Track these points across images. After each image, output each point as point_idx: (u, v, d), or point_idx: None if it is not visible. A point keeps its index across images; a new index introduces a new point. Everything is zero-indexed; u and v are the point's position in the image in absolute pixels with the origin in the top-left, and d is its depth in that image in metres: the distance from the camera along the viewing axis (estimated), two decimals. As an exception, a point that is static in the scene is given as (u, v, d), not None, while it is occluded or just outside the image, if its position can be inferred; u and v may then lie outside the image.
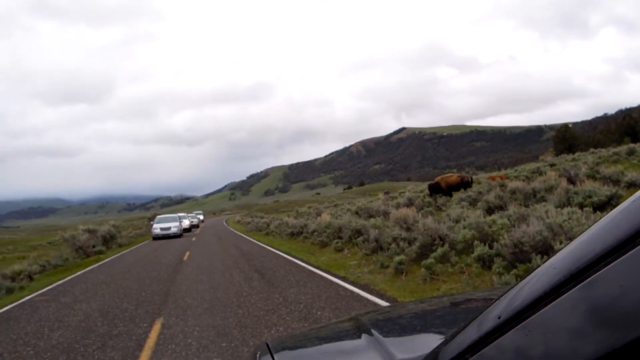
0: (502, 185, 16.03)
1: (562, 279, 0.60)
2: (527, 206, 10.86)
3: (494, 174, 26.09)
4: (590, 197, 10.44)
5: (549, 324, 0.59)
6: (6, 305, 9.87)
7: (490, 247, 7.59)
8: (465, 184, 20.90)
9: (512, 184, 15.18)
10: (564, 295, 0.59)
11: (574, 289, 0.58)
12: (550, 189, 13.03)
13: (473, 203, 15.88)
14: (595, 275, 0.57)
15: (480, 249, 7.60)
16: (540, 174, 20.93)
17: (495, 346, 0.67)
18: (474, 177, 29.12)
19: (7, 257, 29.12)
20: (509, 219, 8.81)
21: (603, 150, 33.23)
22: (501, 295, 0.74)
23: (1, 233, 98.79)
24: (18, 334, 7.00)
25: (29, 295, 11.14)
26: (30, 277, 14.46)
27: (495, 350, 0.67)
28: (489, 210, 12.45)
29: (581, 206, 9.56)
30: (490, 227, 8.58)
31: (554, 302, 0.60)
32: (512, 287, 0.72)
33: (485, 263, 7.46)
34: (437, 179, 22.38)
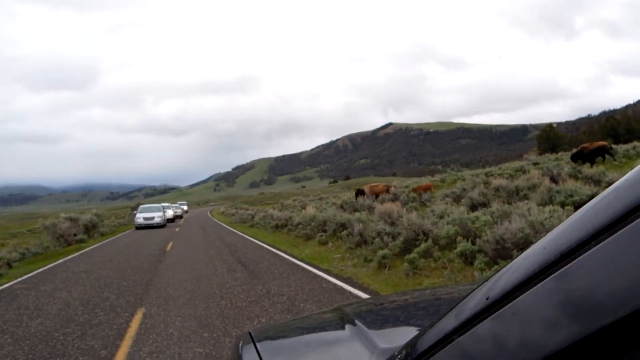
0: (487, 183, 16.21)
1: (551, 259, 0.61)
2: (510, 204, 11.01)
3: (423, 183, 27.09)
4: (571, 196, 10.61)
5: (536, 306, 0.59)
6: (-16, 293, 9.70)
7: (473, 243, 7.68)
8: (388, 192, 23.18)
9: (496, 182, 15.36)
10: (553, 275, 0.59)
11: (561, 270, 0.59)
12: (533, 187, 13.23)
13: (457, 199, 16.04)
14: (580, 258, 0.57)
15: (463, 245, 7.69)
16: (524, 172, 21.20)
17: (475, 331, 0.67)
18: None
19: (-14, 244, 28.60)
20: (491, 216, 8.92)
21: (585, 150, 33.71)
22: (484, 281, 0.75)
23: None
24: (-5, 322, 6.88)
25: (7, 282, 10.96)
26: (9, 265, 14.22)
27: (473, 335, 0.68)
28: (473, 207, 12.59)
29: (563, 205, 9.72)
30: (473, 223, 8.68)
31: (542, 283, 0.60)
32: (499, 271, 0.73)
33: (468, 259, 7.56)
34: (365, 187, 25.12)
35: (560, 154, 34.48)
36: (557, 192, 11.13)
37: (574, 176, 15.41)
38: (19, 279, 11.38)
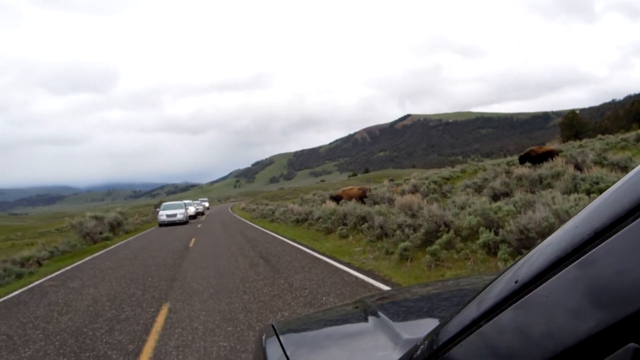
0: (508, 172, 15.96)
1: (585, 238, 0.59)
2: (533, 193, 10.81)
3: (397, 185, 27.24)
4: (597, 183, 10.37)
5: (564, 290, 0.57)
6: (16, 290, 10.00)
7: (496, 234, 7.58)
8: (364, 196, 22.62)
9: (518, 171, 15.10)
10: (585, 256, 0.57)
11: (597, 248, 0.57)
12: (557, 176, 12.96)
13: (478, 190, 15.83)
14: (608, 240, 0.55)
15: (485, 235, 7.59)
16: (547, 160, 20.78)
17: (500, 318, 0.66)
18: (481, 163, 28.94)
19: (16, 244, 29.48)
20: (514, 206, 8.78)
21: (611, 136, 32.91)
22: (509, 268, 0.73)
23: (10, 220, 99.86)
24: (28, 318, 7.09)
25: (38, 280, 11.27)
26: (39, 263, 14.63)
27: (498, 323, 0.67)
28: (495, 197, 12.42)
29: (588, 192, 9.51)
30: (495, 213, 8.55)
31: (573, 264, 0.58)
32: (528, 253, 0.71)
33: (491, 249, 7.46)
34: (339, 192, 25.24)
35: (584, 140, 33.71)
36: (582, 179, 10.89)
37: (600, 163, 15.06)
38: (49, 277, 11.69)
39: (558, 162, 15.32)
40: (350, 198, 22.22)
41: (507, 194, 12.26)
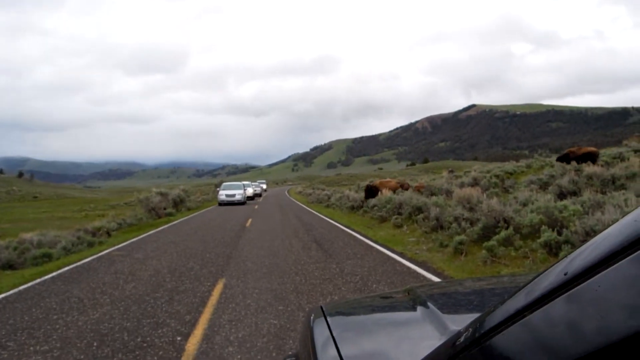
0: (578, 170, 15.09)
1: None
2: (604, 193, 10.19)
3: (416, 184, 24.46)
4: (678, 186, 9.59)
5: (618, 284, 0.56)
6: (87, 257, 10.77)
7: (559, 234, 7.23)
8: (405, 190, 20.14)
9: (589, 169, 14.24)
10: None
11: None
12: (632, 177, 12.11)
13: (544, 187, 15.11)
14: None
15: (547, 235, 7.26)
16: (622, 159, 19.43)
17: (548, 309, 0.66)
18: (547, 159, 27.51)
19: (89, 214, 31.66)
20: (582, 206, 8.32)
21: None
22: (562, 258, 0.72)
23: (84, 192, 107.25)
24: (97, 284, 7.65)
25: (107, 249, 12.08)
26: (108, 234, 15.65)
27: (545, 313, 0.66)
28: (561, 195, 11.81)
29: (666, 195, 8.81)
30: (560, 212, 8.14)
31: (628, 258, 0.56)
32: (581, 246, 0.69)
33: (552, 249, 7.13)
34: (376, 182, 21.59)
35: (667, 139, 31.03)
36: (661, 181, 10.10)
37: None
38: (116, 247, 12.49)
39: (634, 162, 14.28)
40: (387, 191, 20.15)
41: (574, 193, 11.62)
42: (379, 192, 19.75)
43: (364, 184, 27.49)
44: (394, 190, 19.89)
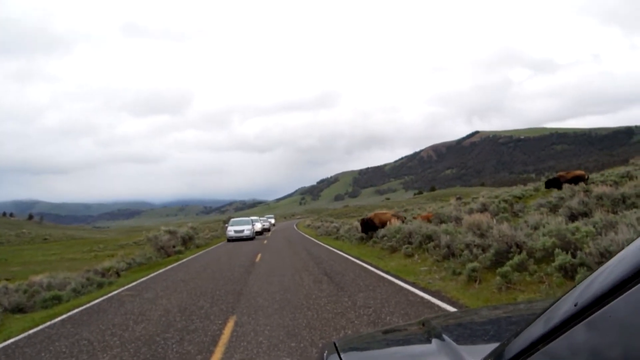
0: (587, 191, 14.97)
1: None
2: (615, 213, 10.06)
3: (424, 213, 24.23)
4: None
5: (632, 310, 0.55)
6: (97, 299, 10.70)
7: (574, 256, 7.10)
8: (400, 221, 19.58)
9: (598, 189, 14.13)
10: None
11: None
12: (642, 195, 11.97)
13: (554, 209, 14.95)
14: None
15: (562, 258, 7.13)
16: (631, 178, 19.28)
17: (564, 339, 0.65)
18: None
19: (99, 255, 31.64)
20: (594, 226, 8.19)
21: None
22: (576, 285, 0.70)
23: (94, 233, 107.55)
24: (106, 325, 7.56)
25: (116, 290, 12.00)
26: (117, 274, 15.60)
27: (565, 341, 0.65)
28: (572, 217, 11.67)
29: (680, 213, 8.67)
30: (573, 234, 8.02)
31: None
32: (590, 275, 0.69)
33: (568, 272, 6.99)
34: (371, 215, 21.42)
35: (675, 157, 30.84)
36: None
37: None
38: (126, 287, 12.41)
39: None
40: (382, 224, 19.68)
41: (585, 214, 11.48)
42: (373, 223, 19.87)
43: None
44: (388, 223, 19.39)
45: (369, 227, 20.53)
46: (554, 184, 21.80)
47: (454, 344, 1.33)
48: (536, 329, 0.73)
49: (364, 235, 21.02)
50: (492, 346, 1.45)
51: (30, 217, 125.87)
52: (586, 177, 21.43)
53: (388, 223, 18.80)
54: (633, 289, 0.56)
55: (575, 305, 0.65)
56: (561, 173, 22.95)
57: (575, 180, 20.80)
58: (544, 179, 29.83)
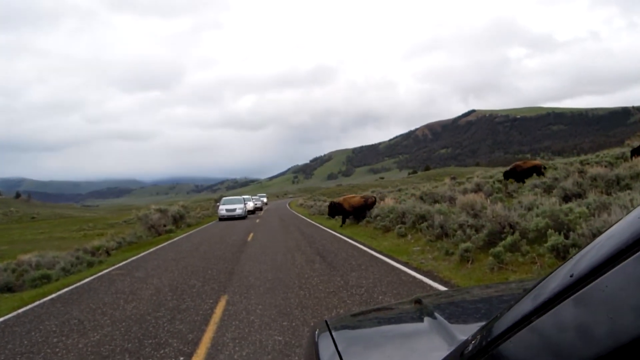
0: (582, 172, 14.98)
1: None
2: (609, 194, 10.06)
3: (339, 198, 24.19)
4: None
5: (626, 283, 0.55)
6: (87, 278, 10.63)
7: (566, 237, 7.09)
8: (370, 205, 19.58)
9: (592, 170, 14.13)
10: None
11: None
12: (637, 176, 11.99)
13: (548, 190, 14.98)
14: None
15: (554, 239, 7.12)
16: (626, 159, 19.34)
17: (556, 312, 0.65)
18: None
19: (88, 234, 31.54)
20: (588, 208, 8.19)
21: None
22: (568, 260, 0.72)
23: (83, 211, 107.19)
24: (97, 304, 7.50)
25: (106, 269, 11.94)
26: (107, 253, 15.52)
27: (553, 317, 0.65)
28: (566, 198, 11.67)
29: (673, 195, 8.68)
30: (566, 215, 8.01)
31: (635, 256, 0.55)
32: (586, 246, 0.69)
33: (560, 253, 6.99)
34: (339, 199, 21.37)
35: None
36: (666, 180, 9.98)
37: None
38: (116, 266, 12.35)
39: (639, 161, 14.17)
40: (352, 208, 19.80)
41: (579, 195, 11.49)
42: (342, 207, 20.22)
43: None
44: (359, 207, 19.70)
45: (337, 211, 20.92)
46: (512, 174, 21.55)
47: (445, 322, 1.33)
48: (525, 305, 0.73)
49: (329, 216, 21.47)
50: (483, 323, 1.42)
51: (18, 195, 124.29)
52: (543, 167, 21.40)
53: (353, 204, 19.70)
54: (625, 262, 0.56)
55: (571, 277, 0.65)
56: (518, 162, 22.77)
57: (531, 170, 20.78)
58: (539, 159, 29.98)
